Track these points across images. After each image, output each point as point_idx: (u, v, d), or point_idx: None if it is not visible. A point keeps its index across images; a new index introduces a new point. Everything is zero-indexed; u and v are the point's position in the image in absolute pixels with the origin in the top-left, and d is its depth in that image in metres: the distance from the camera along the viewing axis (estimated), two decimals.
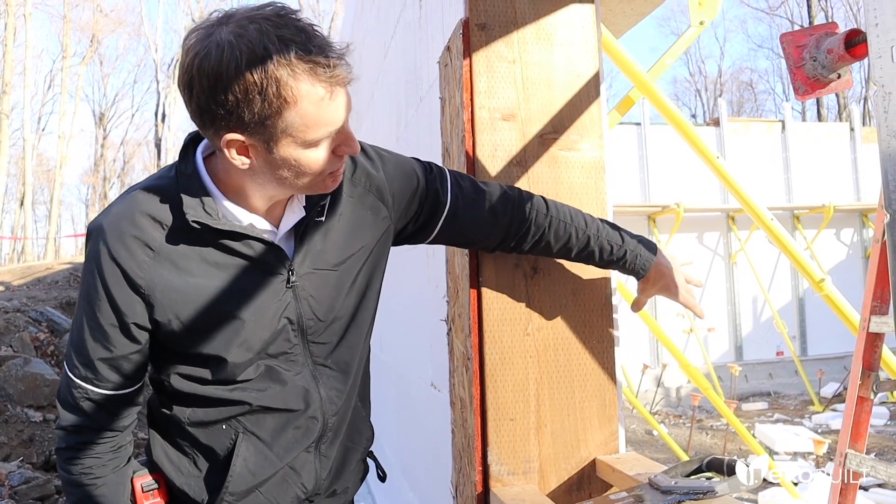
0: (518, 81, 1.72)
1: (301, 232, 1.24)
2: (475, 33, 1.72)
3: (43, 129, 33.43)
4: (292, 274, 1.22)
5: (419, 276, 2.45)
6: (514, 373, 1.65)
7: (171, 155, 30.55)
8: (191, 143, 1.22)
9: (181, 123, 30.98)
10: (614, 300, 1.75)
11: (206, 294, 1.17)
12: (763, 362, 11.16)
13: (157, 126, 32.26)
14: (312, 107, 1.04)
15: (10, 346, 6.73)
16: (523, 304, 1.67)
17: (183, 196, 1.14)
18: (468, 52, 1.71)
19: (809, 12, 26.80)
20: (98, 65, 34.78)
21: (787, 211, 11.08)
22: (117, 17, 33.87)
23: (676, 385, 10.84)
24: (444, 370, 2.04)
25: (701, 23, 2.72)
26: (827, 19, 27.09)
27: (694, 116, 35.66)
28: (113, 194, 35.59)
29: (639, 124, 10.95)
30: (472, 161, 1.67)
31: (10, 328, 7.06)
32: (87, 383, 1.20)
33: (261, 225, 1.20)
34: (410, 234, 1.45)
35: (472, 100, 1.70)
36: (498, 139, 1.69)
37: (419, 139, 2.46)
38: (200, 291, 1.16)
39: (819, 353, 11.17)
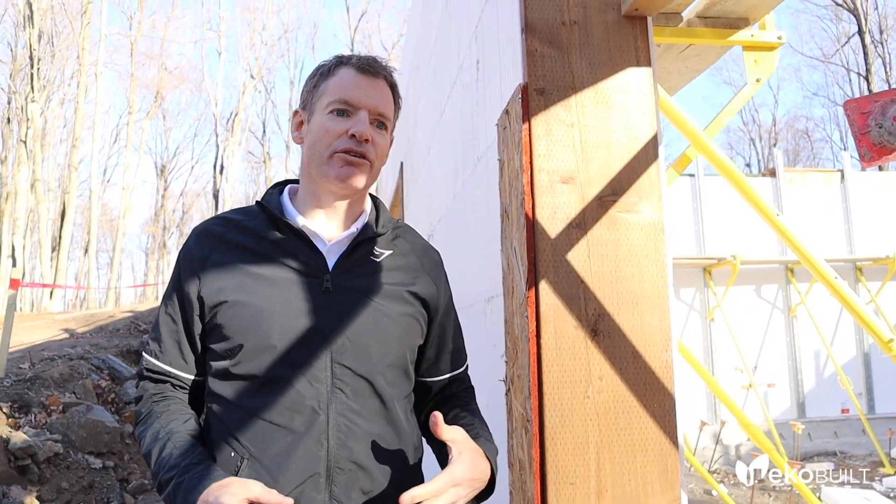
0: (577, 144, 1.75)
1: (350, 253, 1.38)
2: (534, 98, 1.76)
3: (108, 181, 34.82)
4: (328, 282, 1.34)
5: (475, 333, 2.45)
6: (575, 436, 1.64)
7: (229, 205, 31.44)
8: (281, 183, 1.52)
9: (238, 175, 31.97)
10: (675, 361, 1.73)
11: (243, 274, 1.32)
12: (827, 420, 10.72)
13: (215, 178, 33.29)
14: (340, 80, 1.37)
15: (74, 393, 6.91)
16: (583, 367, 1.66)
17: (263, 199, 1.43)
18: (527, 116, 1.75)
19: (866, 60, 26.36)
20: (161, 119, 36.28)
21: (848, 263, 10.75)
22: (180, 74, 35.39)
23: (736, 443, 10.47)
24: (501, 430, 2.02)
25: (757, 80, 2.72)
26: (885, 66, 26.63)
27: (748, 165, 35.18)
28: (172, 243, 36.73)
29: (692, 175, 10.84)
30: (531, 223, 1.70)
31: (73, 375, 7.26)
32: (153, 357, 1.38)
33: (314, 229, 1.38)
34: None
35: (531, 162, 1.73)
36: (557, 201, 1.71)
37: (476, 198, 2.49)
38: (240, 270, 1.33)
39: (888, 411, 10.67)
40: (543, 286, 1.67)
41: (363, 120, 1.34)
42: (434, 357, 1.52)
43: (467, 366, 1.64)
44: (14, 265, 24.49)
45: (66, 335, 11.14)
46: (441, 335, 1.52)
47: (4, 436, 5.29)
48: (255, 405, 1.29)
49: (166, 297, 1.39)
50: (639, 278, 1.73)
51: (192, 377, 1.39)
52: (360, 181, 1.36)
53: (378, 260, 1.41)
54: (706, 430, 10.21)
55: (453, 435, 1.26)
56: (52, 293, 24.53)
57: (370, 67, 1.39)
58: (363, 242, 1.40)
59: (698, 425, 10.19)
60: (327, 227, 1.40)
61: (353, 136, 1.33)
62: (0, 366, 6.76)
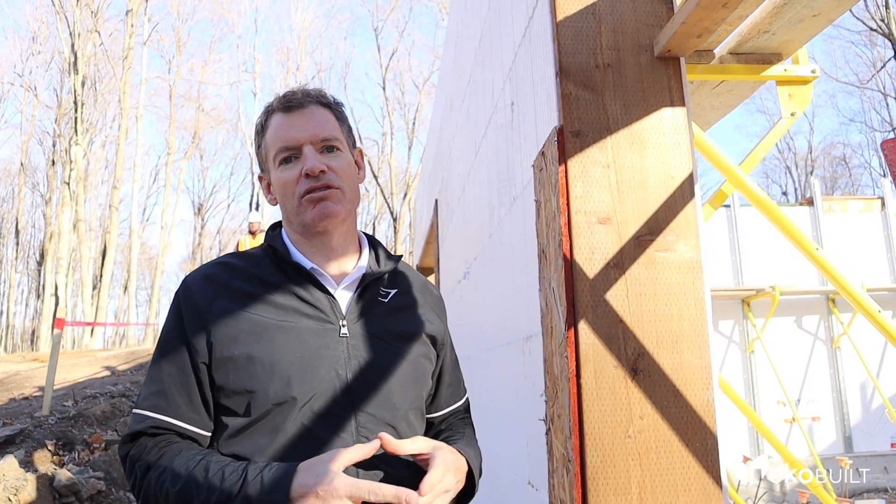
0: (613, 185, 1.77)
1: (360, 296, 1.36)
2: (569, 140, 1.79)
3: (147, 220, 35.69)
4: (344, 327, 1.31)
5: (514, 371, 2.46)
6: (616, 476, 1.63)
7: None
8: (277, 224, 1.48)
9: (273, 212, 32.39)
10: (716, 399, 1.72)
11: (255, 323, 1.26)
12: (876, 455, 10.39)
13: (250, 215, 33.82)
14: (273, 129, 1.37)
15: (116, 431, 7.01)
16: (624, 406, 1.66)
17: (267, 242, 1.39)
18: (563, 157, 1.78)
19: None
20: (198, 159, 37.15)
21: (892, 292, 10.52)
22: (217, 115, 36.31)
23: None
24: (541, 469, 2.02)
25: (792, 114, 2.71)
26: None
27: (785, 194, 34.73)
28: None
29: (728, 206, 10.74)
30: (569, 264, 1.71)
31: (115, 413, 7.37)
32: (156, 412, 1.23)
33: (322, 270, 1.35)
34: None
35: (567, 204, 1.75)
36: (595, 242, 1.73)
37: (512, 237, 2.52)
38: (250, 320, 1.27)
39: None
40: (582, 326, 1.68)
41: (309, 155, 1.32)
42: (435, 393, 1.51)
43: (467, 399, 1.64)
44: (57, 303, 25.04)
45: (107, 372, 11.32)
46: (442, 371, 1.51)
47: (50, 473, 5.38)
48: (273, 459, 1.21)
49: (165, 347, 1.28)
50: (677, 317, 1.73)
51: (208, 434, 1.28)
52: (337, 210, 1.33)
53: (386, 301, 1.39)
54: (749, 465, 9.97)
55: (415, 445, 1.24)
56: (92, 330, 25.00)
57: (292, 102, 1.36)
58: (371, 283, 1.38)
59: (741, 461, 9.96)
60: (330, 268, 1.37)
61: (307, 175, 1.31)
62: (45, 404, 6.90)
